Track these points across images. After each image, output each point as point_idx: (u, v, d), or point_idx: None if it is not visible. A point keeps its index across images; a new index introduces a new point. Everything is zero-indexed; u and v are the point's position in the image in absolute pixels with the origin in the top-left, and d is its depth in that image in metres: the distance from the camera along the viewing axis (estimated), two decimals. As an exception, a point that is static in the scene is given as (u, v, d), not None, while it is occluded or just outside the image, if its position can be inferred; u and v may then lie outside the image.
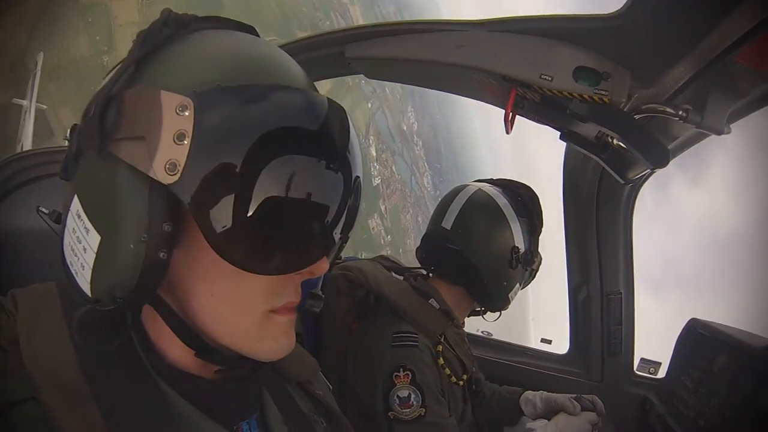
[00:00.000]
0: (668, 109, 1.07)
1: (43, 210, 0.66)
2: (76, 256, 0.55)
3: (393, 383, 1.40)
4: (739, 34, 0.88)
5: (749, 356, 1.53)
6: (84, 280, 0.55)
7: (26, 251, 1.21)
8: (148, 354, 0.62)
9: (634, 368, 2.00)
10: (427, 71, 1.37)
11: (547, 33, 1.10)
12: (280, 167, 0.51)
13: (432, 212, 1.73)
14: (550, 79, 1.09)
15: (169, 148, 0.49)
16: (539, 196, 1.64)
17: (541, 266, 1.70)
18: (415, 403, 1.38)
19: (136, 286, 0.52)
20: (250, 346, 0.61)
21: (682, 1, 0.87)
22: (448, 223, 1.58)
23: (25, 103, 6.83)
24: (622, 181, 1.32)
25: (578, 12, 1.04)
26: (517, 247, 1.53)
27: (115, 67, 0.58)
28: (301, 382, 0.88)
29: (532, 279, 1.70)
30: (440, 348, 1.52)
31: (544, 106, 1.17)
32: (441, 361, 1.51)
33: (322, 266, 0.59)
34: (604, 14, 0.98)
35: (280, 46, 1.56)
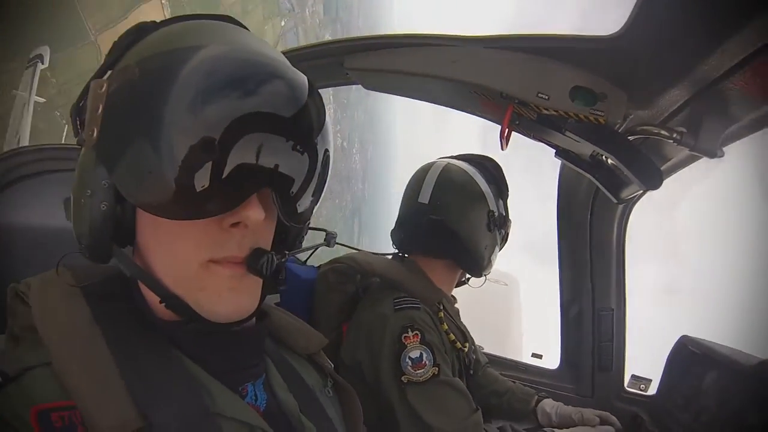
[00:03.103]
0: (663, 132, 1.08)
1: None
2: None
3: (403, 345, 1.37)
4: (736, 60, 0.88)
5: (739, 374, 1.53)
6: None
7: (19, 247, 1.24)
8: (153, 317, 0.67)
9: (625, 385, 1.99)
10: (424, 85, 1.37)
11: (544, 52, 1.10)
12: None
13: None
14: (546, 97, 1.09)
15: (93, 120, 0.59)
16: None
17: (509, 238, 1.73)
18: (427, 362, 1.36)
19: (90, 234, 0.61)
20: (194, 295, 0.63)
21: (680, 25, 0.88)
22: (425, 197, 1.59)
23: (25, 95, 6.61)
24: (615, 201, 1.32)
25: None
26: (493, 211, 1.59)
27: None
28: (310, 355, 0.90)
29: (505, 242, 1.73)
30: (441, 315, 1.53)
31: (539, 124, 1.17)
32: (444, 326, 1.51)
33: (249, 215, 0.59)
34: (602, 35, 0.98)
35: (283, 53, 1.57)
